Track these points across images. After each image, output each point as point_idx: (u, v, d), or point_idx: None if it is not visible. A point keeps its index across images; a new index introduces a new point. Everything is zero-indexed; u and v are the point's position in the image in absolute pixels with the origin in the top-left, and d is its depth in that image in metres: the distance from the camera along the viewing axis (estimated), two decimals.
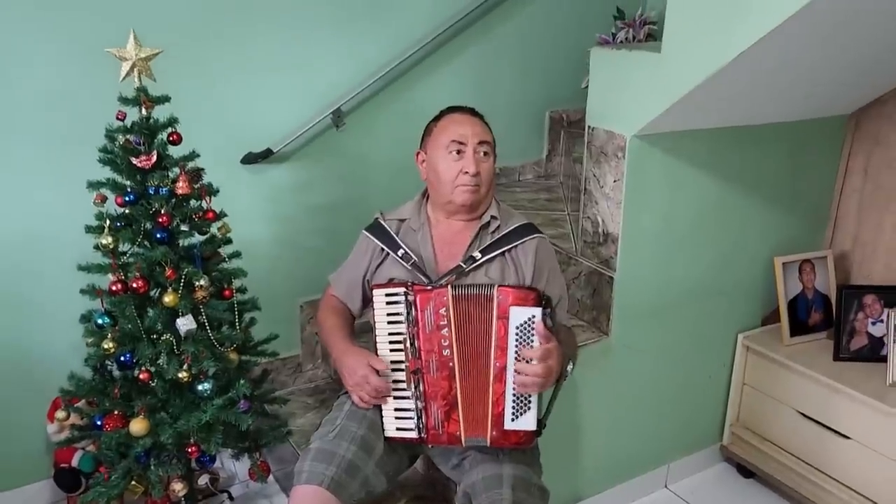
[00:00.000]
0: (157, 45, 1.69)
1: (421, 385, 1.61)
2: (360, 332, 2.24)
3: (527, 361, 1.54)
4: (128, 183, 1.73)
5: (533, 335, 1.54)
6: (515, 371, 1.55)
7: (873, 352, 2.35)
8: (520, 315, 1.55)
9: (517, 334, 1.55)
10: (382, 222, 1.80)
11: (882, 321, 2.34)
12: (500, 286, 1.57)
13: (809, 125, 2.39)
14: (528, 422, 1.58)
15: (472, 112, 1.78)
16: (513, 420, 1.58)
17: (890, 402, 2.12)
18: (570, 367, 1.64)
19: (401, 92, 2.55)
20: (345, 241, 1.90)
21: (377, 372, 1.61)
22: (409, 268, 1.70)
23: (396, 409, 1.64)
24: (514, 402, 1.57)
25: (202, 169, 1.81)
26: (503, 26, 2.75)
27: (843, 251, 2.60)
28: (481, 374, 1.59)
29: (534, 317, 1.54)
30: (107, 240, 1.69)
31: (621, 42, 2.52)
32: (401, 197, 1.87)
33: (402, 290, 1.61)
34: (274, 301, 2.19)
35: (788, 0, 1.51)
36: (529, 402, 1.57)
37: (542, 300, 1.56)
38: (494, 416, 1.58)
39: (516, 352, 1.55)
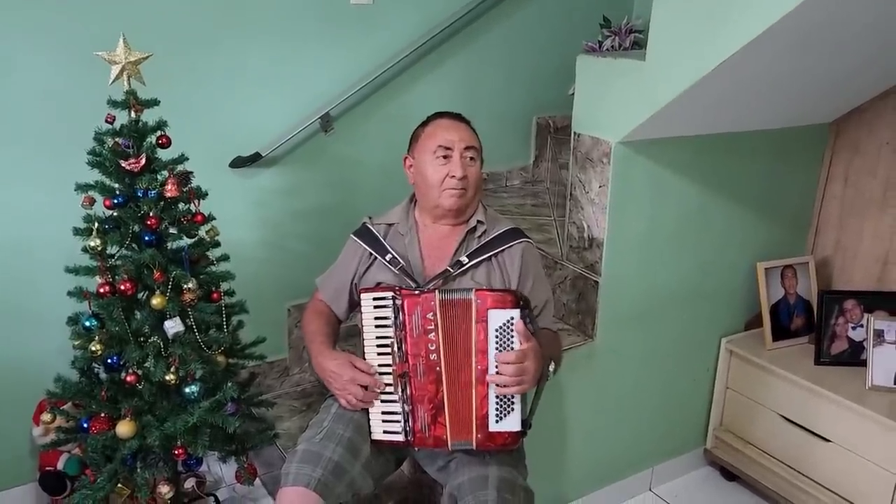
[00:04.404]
0: (147, 50, 1.70)
1: (408, 388, 1.63)
2: (347, 335, 2.26)
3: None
4: (116, 185, 1.73)
5: (513, 337, 1.56)
6: (495, 374, 1.56)
7: (853, 356, 2.39)
8: (498, 317, 1.57)
9: (497, 336, 1.57)
10: (370, 227, 1.81)
11: (862, 326, 2.38)
12: (477, 290, 1.59)
13: (791, 133, 2.43)
14: (512, 423, 1.59)
15: (460, 117, 1.80)
16: (497, 422, 1.59)
17: (869, 406, 2.16)
18: (551, 368, 1.66)
19: (389, 97, 2.57)
20: (333, 245, 1.91)
21: (362, 371, 1.63)
22: (397, 272, 1.71)
23: (383, 413, 1.65)
24: (497, 404, 1.59)
25: (191, 172, 1.81)
26: (490, 33, 2.78)
27: (824, 257, 2.65)
28: (465, 378, 1.60)
29: (512, 318, 1.56)
30: (95, 242, 1.69)
31: (608, 50, 2.55)
32: (389, 201, 1.89)
33: (389, 294, 1.62)
34: (261, 305, 2.20)
35: (769, 11, 1.54)
36: (513, 403, 1.59)
37: (519, 301, 1.58)
38: (479, 418, 1.60)
39: (497, 354, 1.57)
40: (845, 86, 2.23)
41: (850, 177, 2.54)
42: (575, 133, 2.16)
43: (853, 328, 2.40)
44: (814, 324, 2.50)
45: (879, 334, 2.28)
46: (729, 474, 2.65)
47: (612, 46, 2.56)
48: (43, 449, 2.00)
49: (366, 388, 1.63)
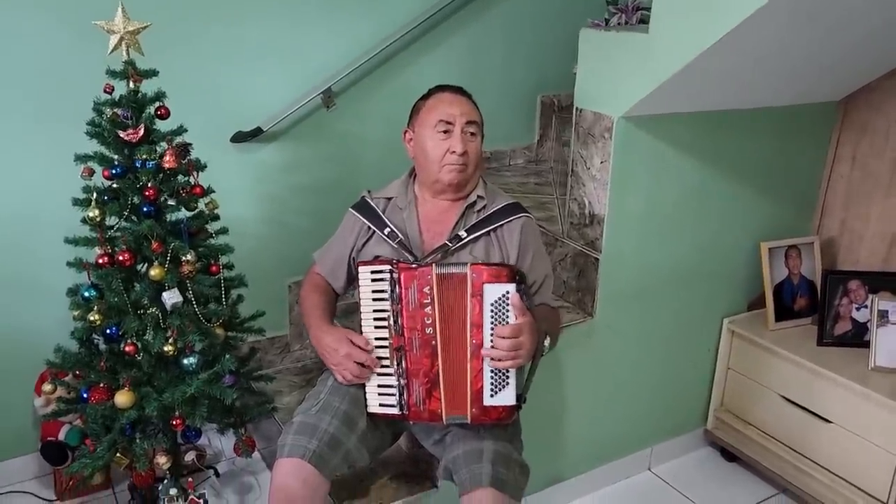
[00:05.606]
0: (146, 21, 1.68)
1: (403, 362, 1.63)
2: (347, 312, 2.26)
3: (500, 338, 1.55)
4: (115, 156, 1.73)
5: (508, 311, 1.56)
6: (490, 348, 1.56)
7: (857, 337, 2.37)
8: (494, 292, 1.56)
9: (492, 311, 1.56)
10: (369, 200, 1.80)
11: (866, 306, 2.36)
12: (472, 265, 1.58)
13: (798, 111, 2.40)
14: (507, 397, 1.59)
15: (461, 91, 1.78)
16: (492, 396, 1.59)
17: (872, 387, 2.14)
18: (546, 342, 1.65)
19: (391, 73, 2.55)
20: (334, 221, 1.90)
21: (359, 347, 1.63)
22: (395, 246, 1.71)
23: (379, 386, 1.66)
24: (492, 378, 1.58)
25: (190, 144, 1.81)
26: (495, 9, 2.75)
27: (830, 237, 2.62)
28: (460, 352, 1.60)
29: (508, 293, 1.56)
30: (94, 213, 1.70)
31: (613, 27, 2.52)
32: (390, 177, 1.87)
33: (387, 267, 1.62)
34: (262, 281, 2.20)
35: None
36: (507, 377, 1.59)
37: (515, 276, 1.57)
38: (473, 392, 1.60)
39: (492, 328, 1.56)
40: (852, 62, 2.20)
41: (857, 157, 2.51)
42: (577, 108, 2.14)
43: (857, 309, 2.38)
44: (817, 305, 2.48)
45: (883, 315, 2.25)
46: (729, 455, 2.64)
47: (619, 24, 2.53)
48: (45, 419, 2.01)
49: (362, 364, 1.63)
